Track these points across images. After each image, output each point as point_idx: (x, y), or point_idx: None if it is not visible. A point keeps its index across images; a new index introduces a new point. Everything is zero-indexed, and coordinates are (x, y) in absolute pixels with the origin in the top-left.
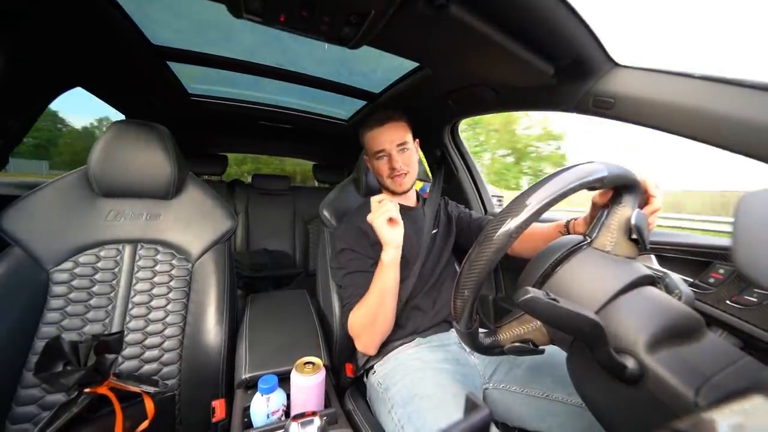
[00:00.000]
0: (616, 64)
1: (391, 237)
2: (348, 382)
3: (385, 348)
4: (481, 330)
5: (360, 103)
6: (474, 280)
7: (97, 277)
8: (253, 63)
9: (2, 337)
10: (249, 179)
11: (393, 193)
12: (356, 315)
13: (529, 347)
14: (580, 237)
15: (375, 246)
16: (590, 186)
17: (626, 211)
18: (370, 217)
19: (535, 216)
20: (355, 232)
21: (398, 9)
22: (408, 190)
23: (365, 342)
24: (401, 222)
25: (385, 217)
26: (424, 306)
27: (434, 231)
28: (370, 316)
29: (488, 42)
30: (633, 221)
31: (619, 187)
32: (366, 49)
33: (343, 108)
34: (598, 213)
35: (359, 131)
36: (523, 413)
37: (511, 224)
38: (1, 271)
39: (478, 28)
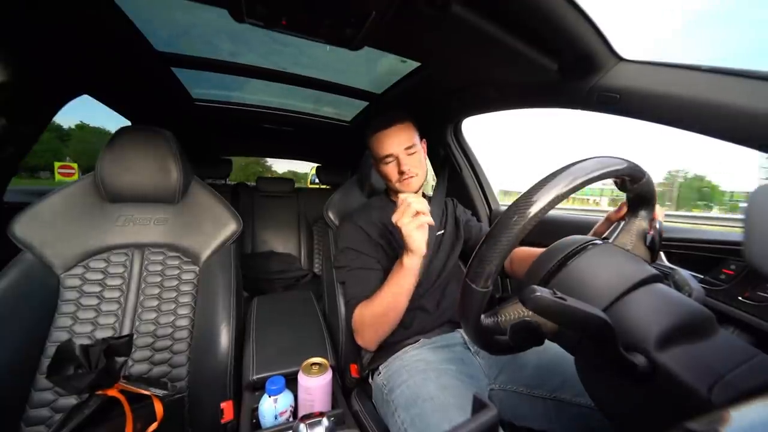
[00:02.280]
0: (621, 59)
1: (420, 245)
2: (353, 382)
3: (389, 349)
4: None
5: (362, 104)
6: (510, 236)
7: (107, 281)
8: (256, 67)
9: (16, 341)
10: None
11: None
12: (365, 311)
13: (533, 325)
14: (593, 237)
15: (377, 246)
16: (632, 176)
17: (642, 223)
18: (398, 219)
19: (573, 190)
20: (356, 231)
21: (399, 9)
22: (417, 191)
23: (367, 338)
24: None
25: (417, 223)
26: (428, 307)
27: (440, 232)
28: (379, 315)
29: (490, 40)
30: (658, 225)
31: (637, 202)
32: (368, 49)
33: (346, 109)
34: (613, 225)
35: (365, 134)
36: (530, 414)
37: (555, 191)
38: (13, 276)
39: (480, 27)
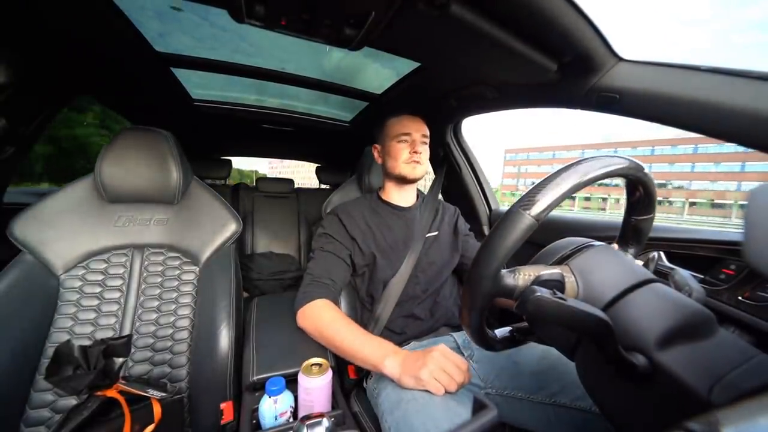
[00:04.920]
0: (621, 59)
1: (416, 384)
2: (352, 383)
3: None
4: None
5: (362, 105)
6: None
7: (106, 282)
8: (256, 67)
9: (15, 342)
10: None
11: (402, 180)
12: (323, 314)
13: (554, 296)
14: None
15: (352, 241)
16: (650, 203)
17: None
18: (427, 373)
19: (622, 173)
20: (336, 222)
21: (399, 10)
22: (416, 180)
23: (306, 326)
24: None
25: (445, 386)
26: (420, 315)
27: (433, 233)
28: (325, 335)
29: (490, 40)
30: (656, 256)
31: (629, 236)
32: (367, 50)
33: (346, 110)
34: None
35: (384, 121)
36: (529, 419)
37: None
38: (13, 277)
39: (480, 27)
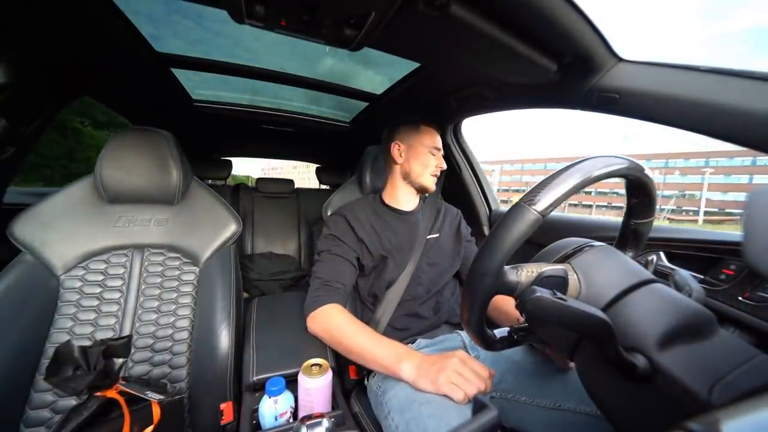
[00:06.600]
0: (620, 59)
1: (435, 389)
2: (352, 384)
3: None
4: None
5: (362, 105)
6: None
7: (106, 282)
8: (256, 67)
9: (15, 342)
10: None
11: (421, 190)
12: (336, 319)
13: (554, 296)
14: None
15: (360, 243)
16: (649, 203)
17: None
18: (444, 377)
19: (624, 173)
20: (342, 223)
21: (399, 10)
22: (431, 191)
23: (317, 330)
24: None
25: (464, 390)
26: (424, 313)
27: (434, 236)
28: (336, 339)
29: (490, 40)
30: (654, 259)
31: (628, 239)
32: (367, 50)
33: (346, 110)
34: None
35: (416, 124)
36: (533, 423)
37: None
38: (13, 277)
39: (479, 27)
